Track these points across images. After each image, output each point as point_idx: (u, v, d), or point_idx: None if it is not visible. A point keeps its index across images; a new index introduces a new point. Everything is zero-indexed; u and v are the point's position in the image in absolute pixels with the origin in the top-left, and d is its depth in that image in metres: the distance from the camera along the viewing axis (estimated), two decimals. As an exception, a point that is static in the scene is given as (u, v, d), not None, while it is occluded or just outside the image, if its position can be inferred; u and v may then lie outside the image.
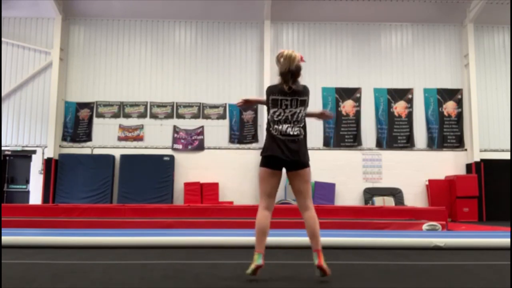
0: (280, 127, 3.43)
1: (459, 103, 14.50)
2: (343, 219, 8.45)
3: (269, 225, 3.48)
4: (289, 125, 3.44)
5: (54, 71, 14.06)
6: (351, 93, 14.46)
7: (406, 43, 14.87)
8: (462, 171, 14.21)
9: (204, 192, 13.60)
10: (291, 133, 3.43)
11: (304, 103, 3.50)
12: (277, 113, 3.46)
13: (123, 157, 13.89)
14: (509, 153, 13.96)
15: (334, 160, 14.04)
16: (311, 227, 3.47)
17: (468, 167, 14.08)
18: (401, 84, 14.59)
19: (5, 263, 4.10)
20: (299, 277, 3.72)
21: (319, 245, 3.42)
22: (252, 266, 3.36)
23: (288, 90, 3.43)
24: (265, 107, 13.97)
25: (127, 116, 14.32)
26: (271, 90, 3.51)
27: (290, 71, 3.40)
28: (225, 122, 14.32)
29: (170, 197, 13.63)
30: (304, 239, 5.62)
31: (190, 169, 13.97)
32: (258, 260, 3.35)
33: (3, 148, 13.90)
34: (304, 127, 3.53)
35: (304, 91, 3.50)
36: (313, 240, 3.45)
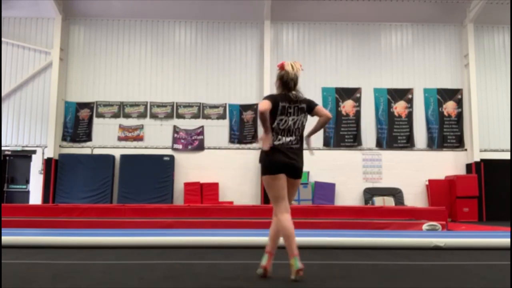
0: (284, 138, 3.51)
1: (459, 103, 14.50)
2: (343, 219, 8.44)
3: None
4: (291, 136, 3.53)
5: (54, 71, 14.06)
6: (351, 93, 14.46)
7: (406, 43, 14.87)
8: (462, 171, 14.21)
9: (204, 192, 13.60)
10: (293, 145, 3.53)
11: (304, 111, 3.58)
12: (283, 121, 3.52)
13: (123, 157, 13.89)
14: (509, 153, 13.96)
15: (334, 160, 14.03)
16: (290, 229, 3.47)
17: (468, 167, 14.08)
18: (401, 84, 14.59)
19: (5, 263, 4.10)
20: (299, 277, 3.71)
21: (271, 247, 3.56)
22: (294, 269, 3.33)
23: (294, 97, 3.56)
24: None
25: (127, 116, 14.32)
26: (277, 99, 3.55)
27: (292, 79, 3.57)
28: (225, 122, 14.32)
29: (170, 197, 13.63)
30: (304, 239, 5.63)
31: (190, 169, 13.96)
32: (296, 263, 3.33)
33: (3, 148, 13.90)
34: (302, 137, 3.62)
35: (304, 99, 3.61)
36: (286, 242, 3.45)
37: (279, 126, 3.52)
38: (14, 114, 14.19)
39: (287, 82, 3.57)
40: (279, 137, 3.51)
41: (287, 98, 3.55)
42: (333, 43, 14.75)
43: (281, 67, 3.63)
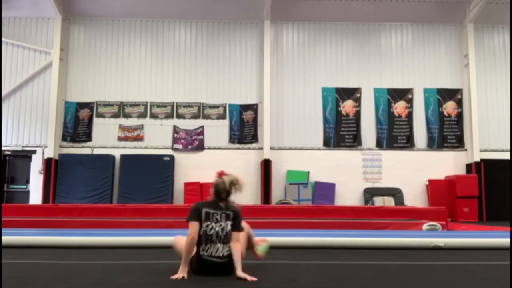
0: (212, 247, 3.51)
1: (459, 103, 14.50)
2: (343, 219, 8.44)
3: None
4: (220, 244, 3.51)
5: (54, 71, 14.06)
6: (351, 93, 14.46)
7: (406, 43, 14.87)
8: (462, 171, 14.21)
9: (204, 192, 13.57)
10: (221, 254, 3.50)
11: (230, 218, 3.60)
12: (209, 227, 3.55)
13: (123, 157, 13.88)
14: (509, 153, 13.96)
15: (334, 160, 14.02)
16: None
17: (468, 167, 14.07)
18: (401, 84, 14.59)
19: (5, 263, 4.10)
20: (299, 277, 3.72)
21: None
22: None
23: (224, 206, 3.63)
24: (265, 107, 13.90)
25: (127, 116, 14.32)
26: (202, 205, 3.65)
27: (226, 190, 3.65)
28: (225, 122, 14.32)
29: (170, 197, 13.63)
30: (304, 239, 5.63)
31: (190, 169, 13.96)
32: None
33: (3, 148, 13.90)
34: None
35: (234, 209, 3.67)
36: None
37: (206, 233, 3.54)
38: (14, 114, 14.19)
39: (219, 191, 3.64)
40: (207, 246, 3.51)
41: (215, 206, 3.60)
42: (333, 43, 14.75)
43: (219, 174, 3.74)
